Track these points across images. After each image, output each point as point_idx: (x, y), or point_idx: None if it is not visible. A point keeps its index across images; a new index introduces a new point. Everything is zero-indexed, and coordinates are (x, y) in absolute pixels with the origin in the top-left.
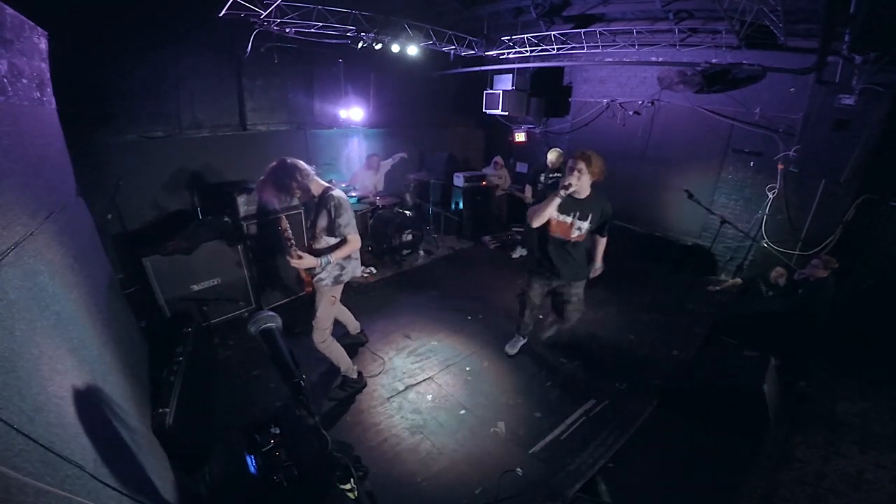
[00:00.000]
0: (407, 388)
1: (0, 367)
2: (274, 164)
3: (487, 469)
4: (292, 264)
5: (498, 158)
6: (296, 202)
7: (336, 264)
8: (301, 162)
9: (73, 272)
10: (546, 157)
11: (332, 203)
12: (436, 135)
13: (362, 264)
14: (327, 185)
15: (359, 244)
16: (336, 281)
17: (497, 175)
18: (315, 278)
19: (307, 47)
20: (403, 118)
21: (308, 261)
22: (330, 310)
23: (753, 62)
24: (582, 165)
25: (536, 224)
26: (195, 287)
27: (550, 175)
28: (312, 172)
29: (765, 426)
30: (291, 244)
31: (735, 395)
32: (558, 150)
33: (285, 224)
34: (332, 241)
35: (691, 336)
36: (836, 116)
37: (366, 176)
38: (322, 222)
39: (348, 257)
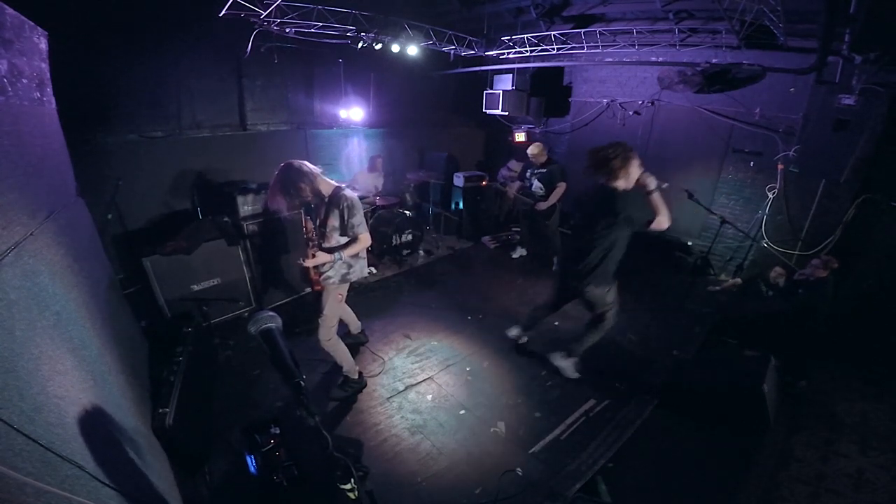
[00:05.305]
0: (407, 388)
1: (0, 367)
2: (280, 168)
3: (487, 469)
4: (306, 264)
5: (513, 163)
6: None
7: (344, 262)
8: (307, 164)
9: (73, 272)
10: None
11: (346, 203)
12: (436, 135)
13: None
14: (337, 185)
15: (369, 242)
16: (343, 279)
17: (511, 176)
18: (323, 276)
19: (307, 47)
20: (403, 118)
21: (321, 257)
22: (337, 308)
23: (753, 62)
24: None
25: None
26: (195, 287)
27: (536, 171)
28: (320, 173)
29: (765, 426)
30: (312, 245)
31: (735, 395)
32: (539, 144)
33: (310, 226)
34: (343, 239)
35: (691, 336)
36: (836, 116)
37: (368, 178)
38: (334, 222)
39: (356, 256)
